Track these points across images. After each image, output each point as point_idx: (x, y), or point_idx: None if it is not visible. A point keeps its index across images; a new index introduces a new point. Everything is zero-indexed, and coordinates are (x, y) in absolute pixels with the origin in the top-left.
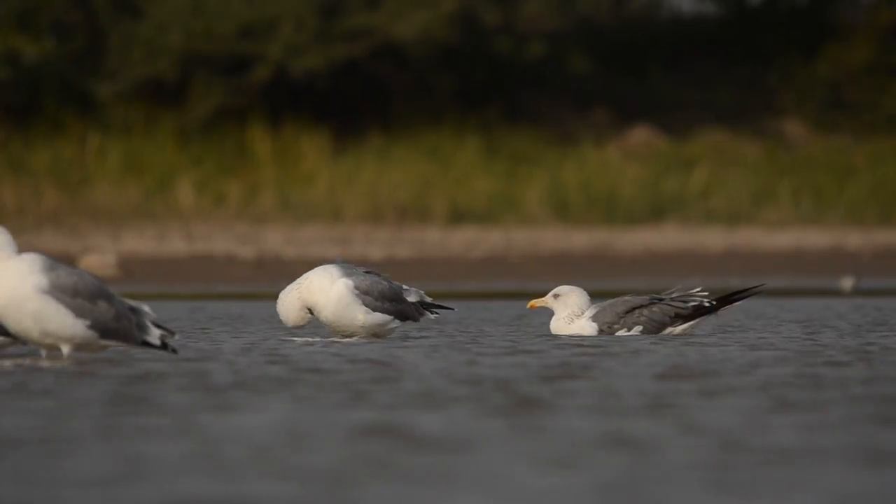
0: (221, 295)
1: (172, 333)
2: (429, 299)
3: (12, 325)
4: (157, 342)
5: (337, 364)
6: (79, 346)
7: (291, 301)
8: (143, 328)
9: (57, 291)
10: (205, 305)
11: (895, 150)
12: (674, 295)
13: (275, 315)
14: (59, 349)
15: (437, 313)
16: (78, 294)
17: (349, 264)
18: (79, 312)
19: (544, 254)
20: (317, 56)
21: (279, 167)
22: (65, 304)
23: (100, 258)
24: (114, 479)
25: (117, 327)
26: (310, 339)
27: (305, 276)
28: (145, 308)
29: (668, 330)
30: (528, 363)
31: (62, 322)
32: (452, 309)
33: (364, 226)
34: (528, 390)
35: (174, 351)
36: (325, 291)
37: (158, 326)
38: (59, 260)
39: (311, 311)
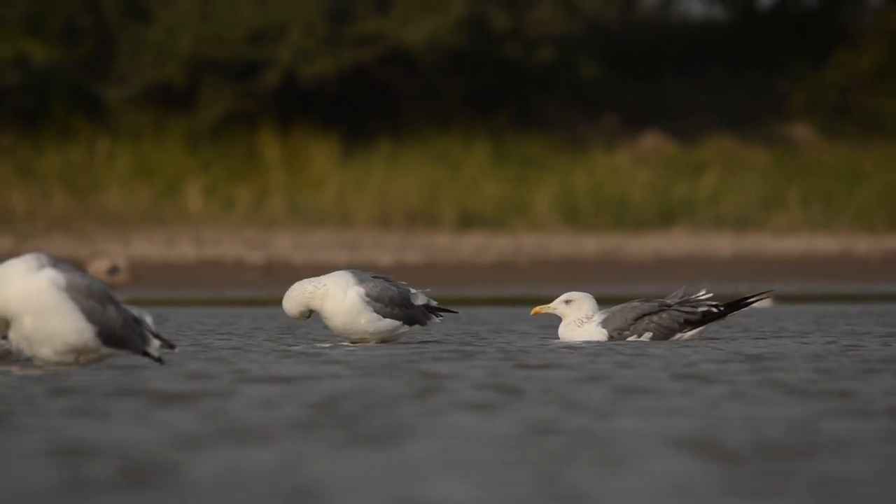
0: (231, 300)
1: (172, 346)
2: (434, 303)
3: (24, 326)
4: (156, 354)
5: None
6: (83, 355)
7: (300, 301)
8: (144, 339)
9: (73, 290)
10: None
11: None
12: (678, 299)
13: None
14: (60, 361)
15: (441, 316)
16: (91, 296)
17: (358, 271)
18: (90, 316)
19: (553, 259)
20: (326, 61)
21: (288, 172)
22: (79, 304)
23: (109, 263)
24: None
25: (123, 334)
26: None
27: (322, 281)
28: (147, 318)
29: (678, 336)
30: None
31: (74, 325)
32: (456, 312)
33: (373, 231)
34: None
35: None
36: (337, 301)
37: (158, 337)
38: (66, 263)
39: (311, 313)
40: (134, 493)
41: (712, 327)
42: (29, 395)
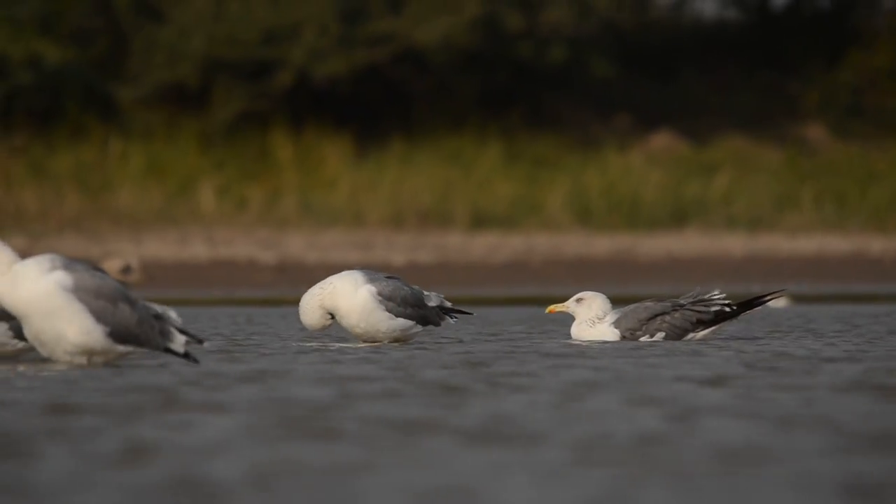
0: (244, 300)
1: (200, 341)
2: (448, 304)
3: (33, 327)
4: (180, 350)
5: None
6: (95, 355)
7: (313, 306)
8: (166, 334)
9: (81, 291)
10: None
11: None
12: (692, 299)
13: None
14: (73, 359)
15: (456, 318)
16: (101, 296)
17: (369, 271)
18: (100, 316)
19: (566, 259)
20: (339, 61)
21: (301, 172)
22: (88, 305)
23: (121, 262)
24: None
25: (138, 332)
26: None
27: (329, 280)
28: (171, 314)
29: (690, 336)
30: None
31: (81, 326)
32: (471, 314)
33: (386, 231)
34: None
35: (195, 360)
36: (348, 298)
37: (184, 333)
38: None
39: (332, 315)
40: (263, 497)
41: (725, 327)
42: (112, 393)
